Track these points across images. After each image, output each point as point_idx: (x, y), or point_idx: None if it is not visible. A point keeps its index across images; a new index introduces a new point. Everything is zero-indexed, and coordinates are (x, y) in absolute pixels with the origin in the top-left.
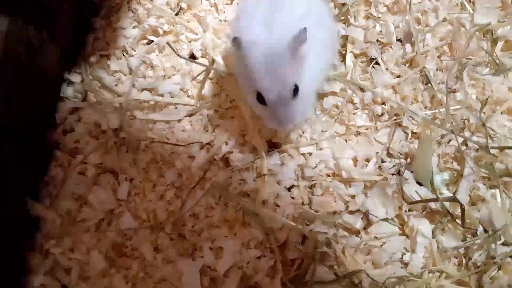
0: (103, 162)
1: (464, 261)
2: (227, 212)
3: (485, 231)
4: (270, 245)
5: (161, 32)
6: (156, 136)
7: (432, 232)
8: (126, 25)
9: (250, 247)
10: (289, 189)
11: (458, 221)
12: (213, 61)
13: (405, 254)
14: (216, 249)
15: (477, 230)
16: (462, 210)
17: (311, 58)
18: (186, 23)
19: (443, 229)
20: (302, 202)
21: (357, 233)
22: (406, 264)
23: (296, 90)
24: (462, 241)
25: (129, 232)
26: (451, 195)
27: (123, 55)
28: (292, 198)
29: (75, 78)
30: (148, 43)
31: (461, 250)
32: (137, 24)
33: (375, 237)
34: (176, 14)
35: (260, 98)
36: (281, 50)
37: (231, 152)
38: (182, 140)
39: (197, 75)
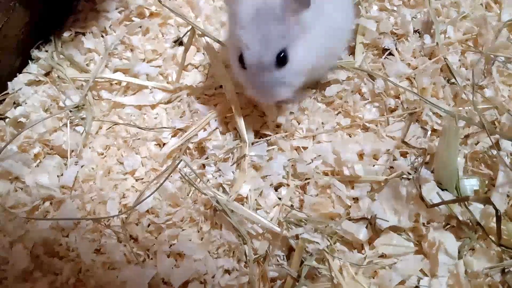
0: (52, 140)
1: None
2: (195, 209)
3: None
4: (246, 257)
5: (147, 14)
6: (121, 120)
7: (459, 251)
8: (111, 9)
9: (219, 256)
10: (276, 189)
11: (492, 237)
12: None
13: (422, 278)
14: (175, 255)
15: None
16: (498, 220)
17: (318, 27)
18: (177, 7)
19: (472, 248)
20: (291, 205)
21: (359, 247)
22: None
23: (283, 58)
24: (498, 263)
25: (67, 227)
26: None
27: (102, 36)
28: (279, 198)
29: (43, 55)
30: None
31: (497, 276)
32: (123, 9)
33: (383, 253)
34: None
35: (242, 59)
36: (274, 5)
37: (209, 139)
38: (152, 126)
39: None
